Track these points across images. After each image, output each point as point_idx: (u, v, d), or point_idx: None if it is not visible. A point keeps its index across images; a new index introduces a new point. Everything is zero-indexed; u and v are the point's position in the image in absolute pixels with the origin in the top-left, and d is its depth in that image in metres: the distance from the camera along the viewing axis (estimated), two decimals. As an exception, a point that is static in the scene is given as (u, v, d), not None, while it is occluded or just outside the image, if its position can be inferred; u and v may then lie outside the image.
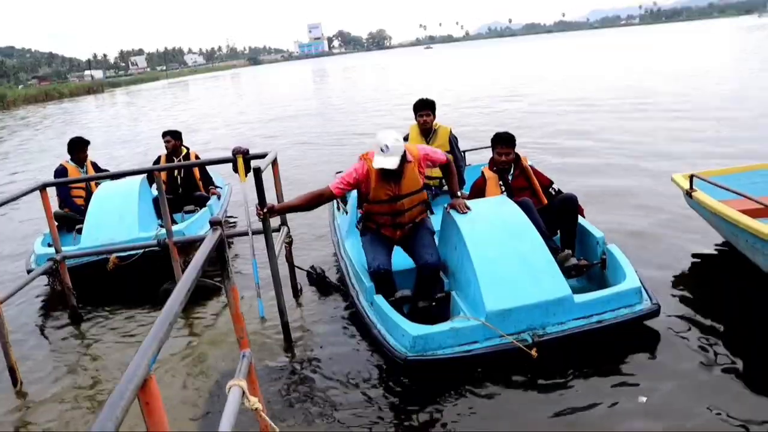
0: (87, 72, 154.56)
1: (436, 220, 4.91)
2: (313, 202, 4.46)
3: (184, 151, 7.57)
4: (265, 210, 4.27)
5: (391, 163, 4.23)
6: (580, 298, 3.92)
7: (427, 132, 6.08)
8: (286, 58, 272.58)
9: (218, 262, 2.66)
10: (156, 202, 6.86)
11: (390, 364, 3.97)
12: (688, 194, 5.34)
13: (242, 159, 4.56)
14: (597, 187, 8.06)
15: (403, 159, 4.30)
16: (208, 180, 7.91)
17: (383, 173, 4.33)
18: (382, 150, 4.24)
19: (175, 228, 6.09)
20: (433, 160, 4.55)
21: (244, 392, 2.36)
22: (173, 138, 7.48)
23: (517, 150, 5.11)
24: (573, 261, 4.54)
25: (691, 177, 5.35)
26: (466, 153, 6.95)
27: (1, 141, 25.59)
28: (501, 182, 5.07)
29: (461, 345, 3.74)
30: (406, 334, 3.79)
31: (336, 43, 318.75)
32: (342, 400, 3.79)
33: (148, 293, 5.72)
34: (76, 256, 5.63)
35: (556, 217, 4.82)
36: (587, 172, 9.16)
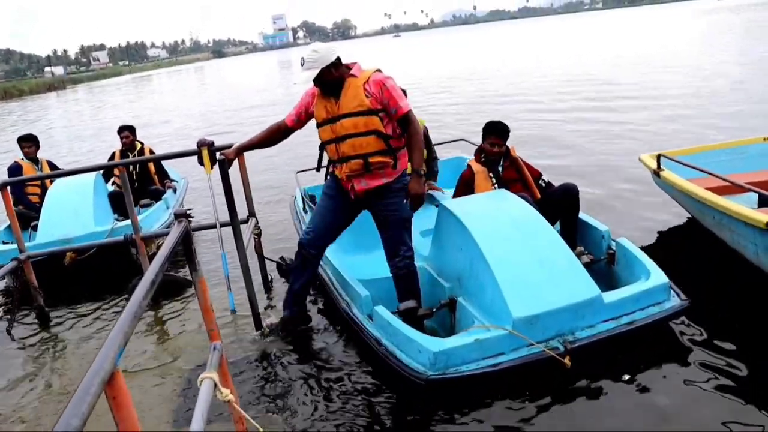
0: (47, 68, 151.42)
1: (427, 217, 4.66)
2: (271, 136, 4.21)
3: (139, 145, 7.61)
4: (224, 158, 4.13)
5: (306, 77, 3.75)
6: (608, 297, 3.56)
7: None
8: (250, 50, 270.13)
9: (185, 254, 2.61)
10: (111, 197, 6.99)
11: (403, 384, 3.46)
12: (656, 173, 5.40)
13: (207, 151, 4.48)
14: (564, 170, 8.10)
15: (333, 69, 3.77)
16: (163, 174, 7.90)
17: (322, 89, 3.87)
18: (301, 65, 3.80)
19: (129, 222, 6.04)
20: (390, 94, 3.74)
21: (216, 384, 2.32)
22: (131, 133, 7.54)
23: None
24: (586, 258, 4.20)
25: (659, 156, 5.40)
26: (435, 147, 6.85)
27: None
28: (491, 174, 4.76)
29: (486, 358, 3.31)
30: (423, 349, 3.30)
31: (301, 33, 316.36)
32: (314, 390, 3.76)
33: (109, 287, 5.77)
34: (41, 255, 5.52)
35: (555, 209, 4.46)
36: (553, 156, 9.21)
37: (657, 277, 3.71)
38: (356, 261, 4.50)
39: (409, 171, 3.93)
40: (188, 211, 2.64)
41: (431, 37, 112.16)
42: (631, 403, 3.27)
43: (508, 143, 4.81)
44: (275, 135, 4.22)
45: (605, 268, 4.27)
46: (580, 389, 3.39)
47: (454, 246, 3.98)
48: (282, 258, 5.70)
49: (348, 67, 3.85)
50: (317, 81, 3.80)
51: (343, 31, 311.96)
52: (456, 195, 4.85)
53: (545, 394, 3.37)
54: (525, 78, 21.17)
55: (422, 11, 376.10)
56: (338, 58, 3.79)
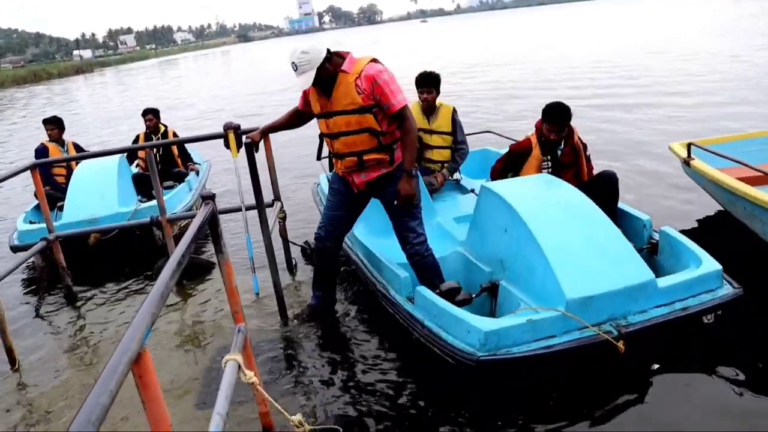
0: (76, 52, 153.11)
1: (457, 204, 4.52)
2: (291, 119, 4.22)
3: (162, 128, 7.67)
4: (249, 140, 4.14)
5: (303, 82, 3.63)
6: (662, 282, 3.44)
7: (429, 110, 5.44)
8: (276, 34, 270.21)
9: (211, 236, 2.63)
10: (135, 179, 7.18)
11: (450, 367, 3.34)
12: (686, 163, 5.31)
13: (233, 134, 4.49)
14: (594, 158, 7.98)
15: (327, 65, 3.62)
16: (186, 156, 7.98)
17: (319, 87, 3.74)
18: (294, 70, 3.64)
19: (152, 203, 6.26)
20: (382, 90, 3.58)
21: (240, 366, 2.33)
22: (155, 116, 7.61)
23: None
24: None
25: (689, 145, 5.31)
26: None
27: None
28: (548, 158, 4.58)
29: (538, 340, 3.17)
30: (473, 329, 3.17)
31: (327, 18, 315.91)
32: (338, 375, 3.77)
33: (133, 267, 5.92)
34: (70, 235, 5.60)
35: (594, 197, 4.19)
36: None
37: (709, 263, 3.57)
38: (390, 244, 4.46)
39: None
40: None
41: (459, 22, 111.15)
42: (663, 394, 3.25)
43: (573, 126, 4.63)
44: (294, 118, 4.23)
45: (647, 258, 4.03)
46: (626, 377, 3.36)
47: (498, 228, 3.87)
48: (306, 242, 5.72)
49: (341, 57, 3.70)
50: (315, 81, 3.67)
51: (368, 16, 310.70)
52: (501, 164, 4.72)
53: (590, 381, 3.36)
54: (552, 65, 20.92)
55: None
56: (329, 51, 3.66)
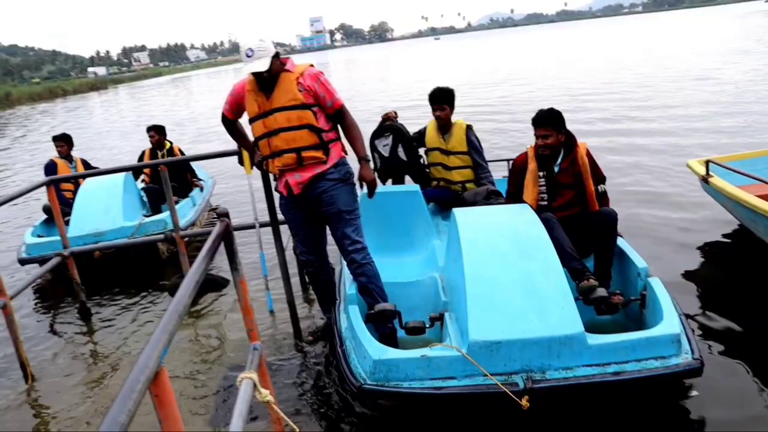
0: (90, 69, 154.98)
1: None
2: (236, 131, 4.15)
3: (168, 145, 7.73)
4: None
5: (260, 65, 3.64)
6: (595, 339, 2.99)
7: (444, 128, 5.21)
8: (288, 52, 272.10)
9: (227, 254, 2.60)
10: (145, 192, 7.45)
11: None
12: (705, 180, 5.25)
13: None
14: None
15: (275, 61, 3.69)
16: (191, 173, 8.07)
17: (258, 83, 3.77)
18: (247, 56, 3.69)
19: (158, 217, 6.53)
20: (325, 88, 3.75)
21: (255, 385, 2.30)
22: (157, 133, 7.67)
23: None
24: (601, 292, 3.55)
25: (707, 162, 5.26)
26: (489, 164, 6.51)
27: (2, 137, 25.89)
28: (544, 173, 4.11)
29: (433, 379, 2.93)
30: (367, 356, 3.02)
31: (338, 36, 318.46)
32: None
33: (140, 280, 6.08)
34: (86, 251, 5.66)
35: (588, 238, 3.90)
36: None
37: (667, 325, 3.10)
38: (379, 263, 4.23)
39: (347, 160, 3.92)
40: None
41: (471, 40, 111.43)
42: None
43: (580, 139, 4.17)
44: (229, 127, 4.15)
45: (638, 311, 3.65)
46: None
47: (453, 256, 3.71)
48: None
49: (282, 62, 3.80)
50: (259, 72, 3.69)
51: (380, 34, 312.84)
52: (509, 185, 4.44)
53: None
54: (567, 83, 20.94)
55: (459, 14, 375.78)
56: (277, 52, 3.76)
